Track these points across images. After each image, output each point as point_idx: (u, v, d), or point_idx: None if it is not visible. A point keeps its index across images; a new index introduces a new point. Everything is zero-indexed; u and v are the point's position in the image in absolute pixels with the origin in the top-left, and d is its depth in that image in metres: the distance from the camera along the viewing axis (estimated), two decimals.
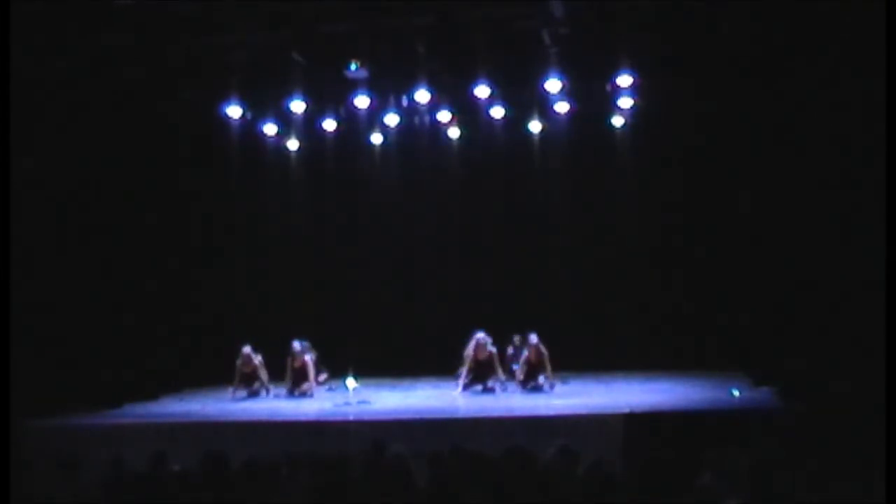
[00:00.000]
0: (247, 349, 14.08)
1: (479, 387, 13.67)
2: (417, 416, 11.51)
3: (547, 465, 6.50)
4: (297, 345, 14.25)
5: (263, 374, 14.11)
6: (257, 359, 14.13)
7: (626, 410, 10.87)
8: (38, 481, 8.53)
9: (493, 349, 13.77)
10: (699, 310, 14.81)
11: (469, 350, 13.79)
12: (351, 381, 13.38)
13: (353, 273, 16.68)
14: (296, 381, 14.07)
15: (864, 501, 6.32)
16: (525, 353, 13.85)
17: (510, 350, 14.58)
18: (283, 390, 14.10)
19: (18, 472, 9.20)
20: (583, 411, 11.24)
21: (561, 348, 14.34)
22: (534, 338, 13.69)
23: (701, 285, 14.91)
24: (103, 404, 12.83)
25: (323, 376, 14.61)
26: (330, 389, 14.23)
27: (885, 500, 6.33)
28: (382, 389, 14.02)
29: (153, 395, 14.11)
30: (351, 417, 11.82)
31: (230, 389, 14.02)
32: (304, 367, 14.06)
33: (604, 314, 15.71)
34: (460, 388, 13.71)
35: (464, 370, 13.84)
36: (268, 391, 14.10)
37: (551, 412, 11.38)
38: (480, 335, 13.76)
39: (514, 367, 14.11)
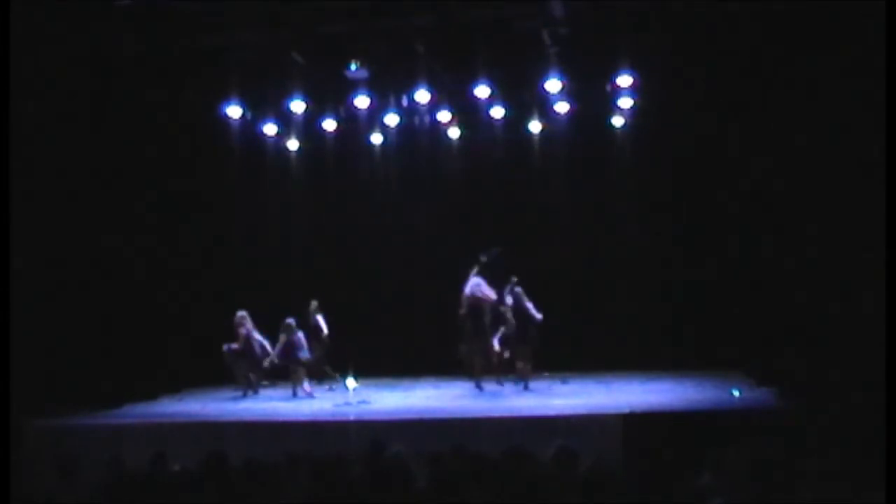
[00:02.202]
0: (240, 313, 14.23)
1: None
2: (417, 416, 11.50)
3: (547, 465, 6.51)
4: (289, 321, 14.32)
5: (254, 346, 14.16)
6: (245, 328, 14.15)
7: (626, 410, 10.87)
8: (38, 481, 8.54)
9: (484, 294, 13.66)
10: (699, 310, 14.80)
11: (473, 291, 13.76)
12: (351, 381, 13.38)
13: (352, 273, 16.67)
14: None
15: (864, 501, 6.31)
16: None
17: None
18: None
19: (18, 472, 9.22)
20: (583, 411, 11.22)
21: (561, 348, 14.34)
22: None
23: (701, 285, 14.90)
24: (103, 404, 12.83)
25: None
26: (330, 389, 14.23)
27: (885, 500, 6.33)
28: (382, 389, 14.03)
29: (153, 395, 14.11)
30: (351, 417, 11.82)
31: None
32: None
33: (603, 314, 15.70)
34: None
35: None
36: (256, 390, 14.19)
37: (551, 412, 11.37)
38: (476, 277, 13.79)
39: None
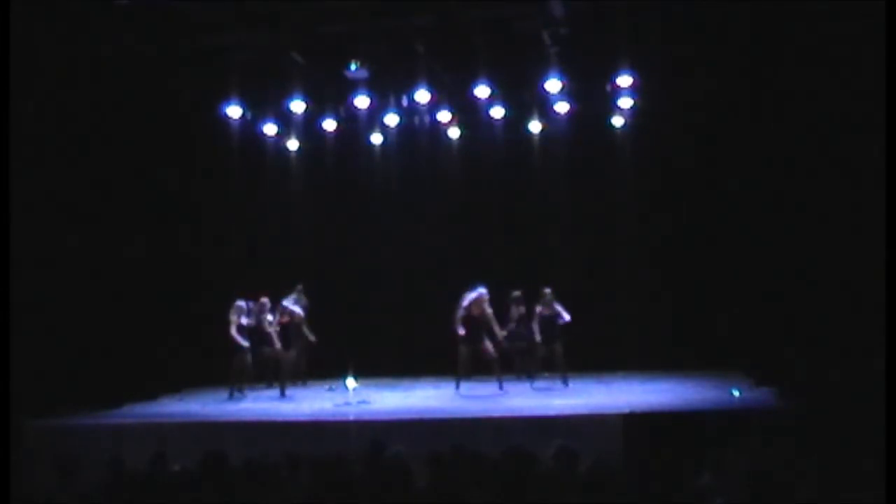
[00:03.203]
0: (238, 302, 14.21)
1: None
2: (417, 416, 11.50)
3: (547, 465, 6.51)
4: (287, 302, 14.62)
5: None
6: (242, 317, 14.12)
7: (626, 410, 10.87)
8: (38, 481, 8.54)
9: (490, 309, 13.54)
10: (699, 310, 14.80)
11: (465, 302, 13.49)
12: (351, 381, 13.37)
13: (352, 273, 16.67)
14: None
15: (864, 501, 6.32)
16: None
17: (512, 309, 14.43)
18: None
19: (18, 472, 9.21)
20: (583, 411, 11.22)
21: (561, 348, 14.30)
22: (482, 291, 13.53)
23: (701, 285, 14.90)
24: (103, 404, 12.82)
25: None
26: (330, 389, 14.23)
27: (885, 501, 6.34)
28: (382, 389, 14.03)
29: (153, 395, 14.11)
30: (351, 417, 11.81)
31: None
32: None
33: (604, 314, 15.69)
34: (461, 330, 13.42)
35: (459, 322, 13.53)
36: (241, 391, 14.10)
37: (551, 412, 11.37)
38: (482, 290, 13.57)
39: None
